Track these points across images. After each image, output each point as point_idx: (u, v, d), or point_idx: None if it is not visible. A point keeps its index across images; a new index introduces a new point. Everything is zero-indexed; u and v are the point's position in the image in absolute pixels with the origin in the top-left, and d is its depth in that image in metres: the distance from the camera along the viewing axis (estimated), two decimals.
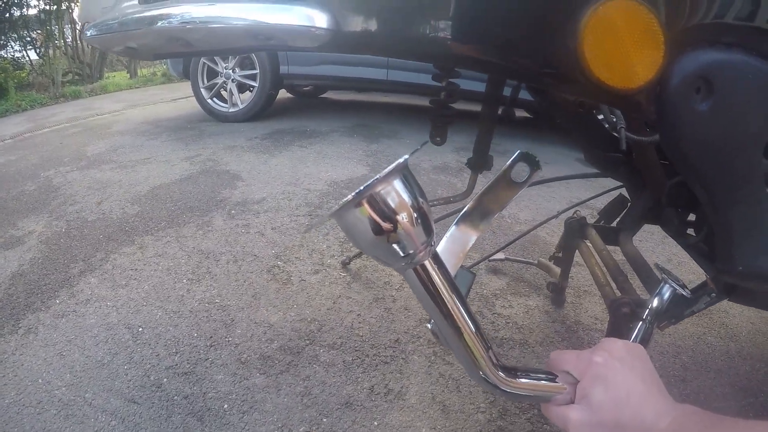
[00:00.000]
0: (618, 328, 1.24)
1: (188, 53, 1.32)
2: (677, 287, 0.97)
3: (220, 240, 2.17)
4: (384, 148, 3.58)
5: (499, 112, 1.50)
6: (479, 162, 1.52)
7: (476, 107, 1.57)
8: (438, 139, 1.55)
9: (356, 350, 1.57)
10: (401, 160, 0.53)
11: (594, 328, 1.75)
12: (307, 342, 1.60)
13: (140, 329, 1.66)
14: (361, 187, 0.50)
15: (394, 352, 1.58)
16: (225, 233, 2.23)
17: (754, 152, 0.98)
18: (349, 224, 0.54)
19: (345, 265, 1.99)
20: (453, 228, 0.88)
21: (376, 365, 1.53)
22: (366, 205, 0.52)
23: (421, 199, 0.56)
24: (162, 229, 2.27)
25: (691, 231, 1.34)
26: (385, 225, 0.53)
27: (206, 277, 1.91)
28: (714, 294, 1.20)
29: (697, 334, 1.76)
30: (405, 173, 0.55)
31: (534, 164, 0.84)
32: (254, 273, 1.94)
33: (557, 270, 1.79)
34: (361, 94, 6.07)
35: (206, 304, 1.76)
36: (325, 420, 1.35)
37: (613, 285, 1.31)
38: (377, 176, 0.51)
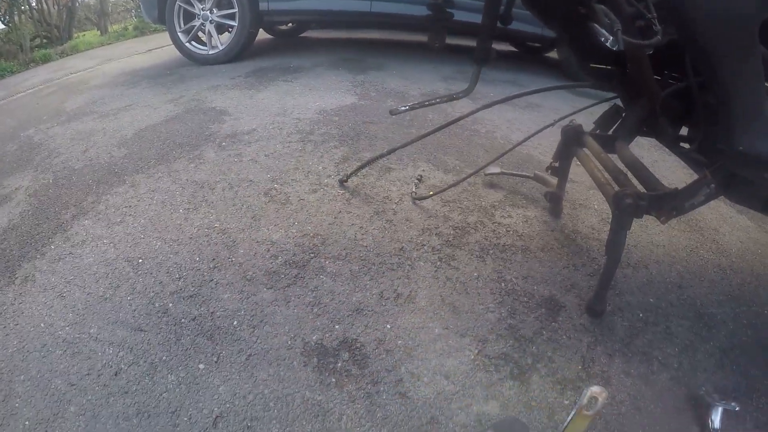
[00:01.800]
0: (621, 221, 1.23)
1: None
2: None
3: (214, 170, 2.12)
4: (371, 78, 3.48)
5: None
6: (483, 55, 1.52)
7: (465, 41, 1.58)
8: (437, 45, 1.58)
9: (362, 260, 1.55)
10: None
11: (592, 237, 1.76)
12: (312, 255, 1.57)
13: (140, 261, 1.62)
14: None
15: (399, 259, 1.56)
16: (218, 163, 2.17)
17: (753, 26, 1.01)
18: None
19: (342, 182, 1.95)
20: None
21: (383, 272, 1.50)
22: None
23: None
24: (153, 167, 2.21)
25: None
26: None
27: (203, 205, 1.86)
28: (713, 185, 1.20)
29: (690, 247, 1.78)
30: None
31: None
32: (251, 197, 1.90)
33: (554, 181, 1.81)
34: (343, 32, 5.90)
35: (206, 230, 1.72)
36: (337, 327, 1.33)
37: (613, 183, 1.32)
38: None
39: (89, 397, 1.21)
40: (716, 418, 1.11)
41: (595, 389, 0.75)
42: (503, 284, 1.49)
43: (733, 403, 1.12)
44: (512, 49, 5.22)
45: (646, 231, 1.83)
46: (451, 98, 1.62)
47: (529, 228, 1.76)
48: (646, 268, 1.63)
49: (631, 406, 1.19)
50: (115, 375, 1.26)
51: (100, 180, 2.17)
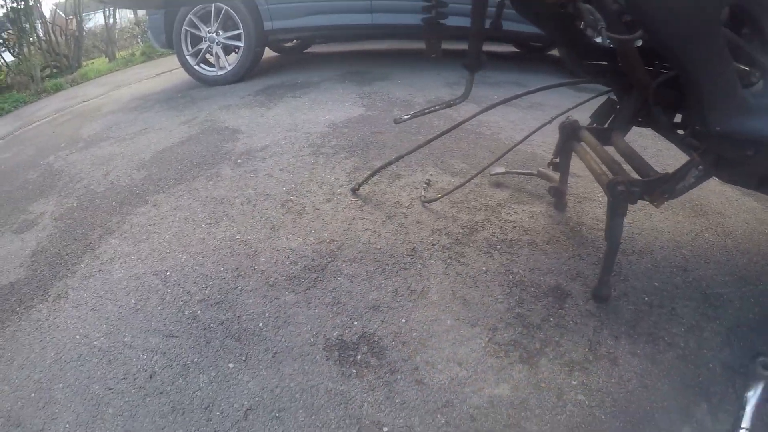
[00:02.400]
0: (616, 207, 1.31)
1: None
2: None
3: (232, 186, 2.22)
4: (377, 89, 3.58)
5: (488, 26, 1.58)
6: (473, 63, 1.59)
7: (464, 46, 1.65)
8: (433, 55, 1.67)
9: (376, 261, 1.64)
10: None
11: (596, 228, 1.81)
12: (329, 260, 1.66)
13: (168, 273, 1.72)
14: None
15: (411, 259, 1.64)
16: (235, 180, 2.28)
17: (712, 19, 1.07)
18: None
19: (354, 191, 2.04)
20: None
21: (397, 271, 1.59)
22: None
23: None
24: (173, 186, 2.32)
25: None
26: None
27: (224, 219, 1.97)
28: (701, 167, 1.26)
29: (695, 231, 1.82)
30: None
31: None
32: (269, 209, 2.00)
33: (556, 176, 1.87)
34: (347, 45, 6.02)
35: (228, 242, 1.82)
36: (356, 323, 1.42)
37: (609, 173, 1.38)
38: None
39: (126, 399, 1.29)
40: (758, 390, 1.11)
41: None
42: (511, 276, 1.57)
43: None
44: (515, 50, 5.29)
45: (650, 219, 1.88)
46: (449, 105, 1.70)
47: (534, 223, 1.84)
48: (650, 254, 1.68)
49: (639, 384, 1.24)
50: (150, 378, 1.35)
51: (123, 201, 2.28)
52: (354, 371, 1.29)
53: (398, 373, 1.28)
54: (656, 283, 1.55)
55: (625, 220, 1.35)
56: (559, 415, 1.17)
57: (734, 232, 1.83)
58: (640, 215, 1.89)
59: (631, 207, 1.44)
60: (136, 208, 2.20)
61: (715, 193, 2.08)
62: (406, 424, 1.16)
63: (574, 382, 1.25)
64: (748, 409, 1.11)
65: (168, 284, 1.66)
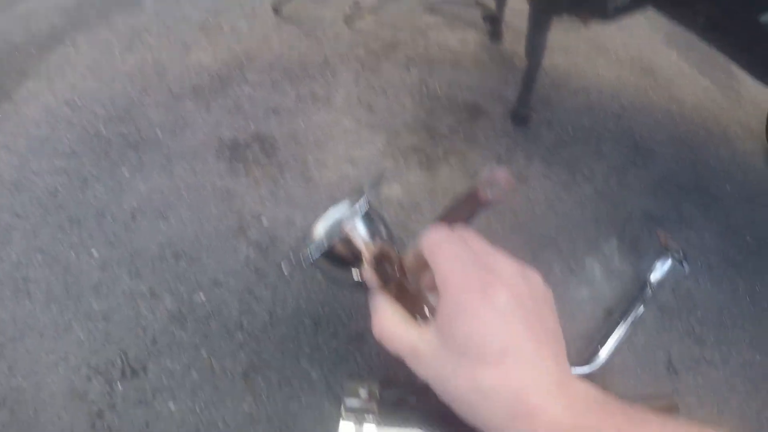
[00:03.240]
0: (537, 19, 1.17)
1: None
2: None
3: (151, 16, 2.06)
4: None
5: None
6: None
7: None
8: None
9: (285, 70, 1.54)
10: (360, 202, 0.52)
11: None
12: (237, 71, 1.56)
13: (77, 101, 1.63)
14: (328, 230, 0.52)
15: (322, 69, 1.55)
16: (155, 10, 2.12)
17: None
18: (317, 264, 0.53)
19: (276, 10, 1.90)
20: None
21: (303, 79, 1.50)
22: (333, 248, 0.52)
23: (384, 235, 0.54)
24: (93, 26, 2.16)
25: None
26: (351, 263, 0.53)
27: (138, 46, 1.84)
28: None
29: (640, 87, 1.69)
30: (367, 210, 0.54)
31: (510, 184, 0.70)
32: (186, 31, 1.86)
33: (492, 5, 1.74)
34: None
35: (140, 65, 1.72)
36: (252, 125, 1.35)
37: None
38: (342, 218, 0.52)
39: (31, 221, 1.27)
40: (659, 269, 1.05)
41: (495, 170, 0.70)
42: (425, 89, 1.48)
43: (684, 263, 1.05)
44: None
45: (593, 65, 1.75)
46: None
47: (463, 47, 1.72)
48: (586, 94, 1.58)
49: (547, 207, 1.20)
50: (53, 196, 1.31)
51: (41, 46, 2.14)
52: (243, 168, 1.24)
53: (286, 170, 1.23)
54: (586, 121, 1.47)
55: (564, 60, 1.22)
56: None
57: (682, 101, 1.69)
58: (581, 58, 1.75)
59: (573, 46, 1.33)
60: (54, 50, 2.06)
61: (669, 62, 1.91)
62: (286, 217, 1.13)
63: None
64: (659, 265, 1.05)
65: (76, 110, 1.59)
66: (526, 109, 1.37)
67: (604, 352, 0.92)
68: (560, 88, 1.58)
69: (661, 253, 1.02)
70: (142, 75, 1.64)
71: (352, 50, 1.63)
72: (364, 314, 0.96)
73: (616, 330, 0.95)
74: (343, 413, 0.56)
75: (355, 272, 0.54)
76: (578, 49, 1.78)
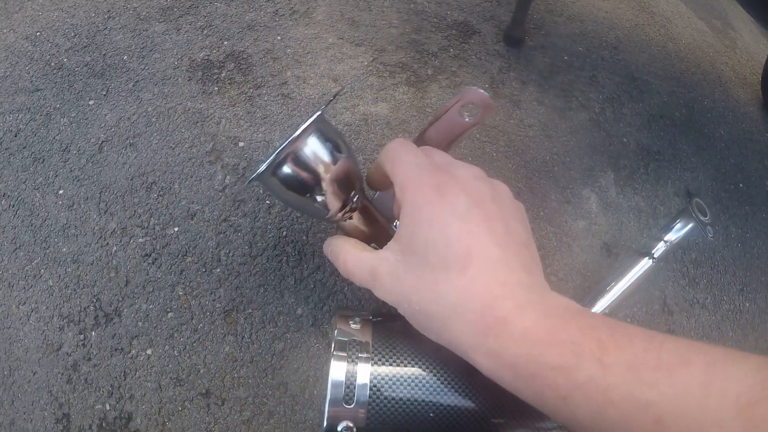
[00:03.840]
0: None
1: None
2: None
3: None
4: None
5: None
6: None
7: None
8: None
9: None
10: (316, 114, 0.51)
11: None
12: None
13: (38, 34, 1.49)
14: (278, 149, 0.48)
15: None
16: None
17: None
18: (272, 187, 0.51)
19: None
20: None
21: None
22: (285, 168, 0.49)
23: (343, 154, 0.52)
24: None
25: None
26: (309, 185, 0.49)
27: None
28: None
29: (636, 22, 1.61)
30: (321, 127, 0.52)
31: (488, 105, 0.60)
32: None
33: None
34: None
35: None
36: (225, 43, 1.21)
37: None
38: (293, 135, 0.49)
39: None
40: (681, 229, 1.00)
41: (472, 91, 0.59)
42: (412, 5, 1.34)
43: (709, 228, 1.01)
44: None
45: None
46: None
47: None
48: (581, 22, 1.47)
49: (541, 132, 1.12)
50: (15, 136, 1.20)
51: None
52: (216, 89, 1.11)
53: (263, 88, 1.10)
54: (581, 48, 1.37)
55: None
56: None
57: (678, 40, 1.62)
58: None
59: None
60: None
61: (668, 2, 1.82)
62: (264, 139, 1.01)
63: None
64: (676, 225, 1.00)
65: (37, 44, 1.45)
66: (521, 31, 1.29)
67: (605, 304, 0.86)
68: (555, 13, 1.49)
69: (686, 214, 1.00)
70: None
71: None
72: None
73: (620, 284, 0.89)
74: (333, 351, 0.48)
75: (316, 197, 0.51)
76: None
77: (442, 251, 0.34)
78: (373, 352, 0.45)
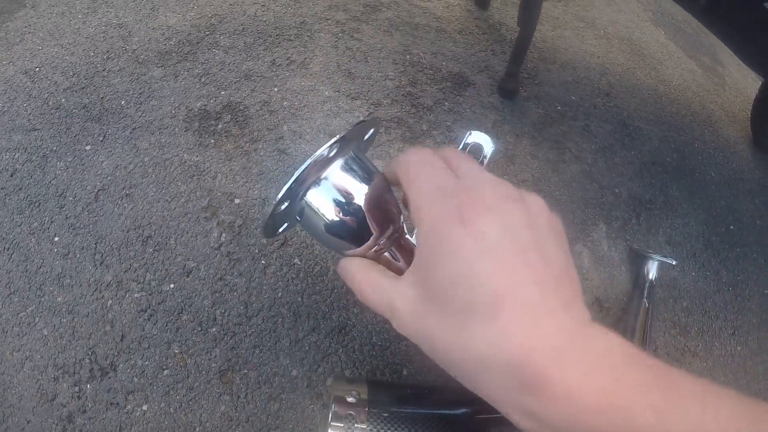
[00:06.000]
0: None
1: None
2: None
3: None
4: None
5: None
6: None
7: None
8: None
9: (258, 33, 1.41)
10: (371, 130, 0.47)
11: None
12: (207, 33, 1.43)
13: (37, 69, 1.51)
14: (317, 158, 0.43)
15: (298, 31, 1.43)
16: None
17: None
18: (308, 203, 0.45)
19: None
20: None
21: (279, 43, 1.38)
22: (333, 178, 0.44)
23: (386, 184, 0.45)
24: None
25: None
26: (350, 206, 0.43)
27: (102, 6, 1.70)
28: None
29: (627, 66, 1.64)
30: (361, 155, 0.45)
31: (488, 144, 0.61)
32: None
33: None
34: None
35: (103, 28, 1.58)
36: (223, 93, 1.23)
37: None
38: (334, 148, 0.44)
39: None
40: (652, 269, 1.07)
41: (472, 134, 0.61)
42: (408, 56, 1.37)
43: (669, 258, 1.09)
44: None
45: (581, 39, 1.68)
46: None
47: (449, 13, 1.60)
48: (574, 69, 1.51)
49: (534, 186, 1.13)
50: (11, 176, 1.20)
51: (2, 10, 1.99)
52: (212, 141, 1.13)
53: (260, 143, 1.12)
54: (574, 97, 1.41)
55: (553, 33, 1.15)
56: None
57: (669, 82, 1.66)
58: (571, 34, 1.68)
59: (561, 18, 1.42)
60: (14, 14, 1.91)
61: (659, 44, 1.86)
62: (260, 196, 1.03)
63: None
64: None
65: (36, 80, 1.46)
66: (515, 82, 1.32)
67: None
68: (548, 61, 1.53)
69: (647, 256, 1.06)
70: (106, 40, 1.51)
71: (330, 12, 1.51)
72: (345, 305, 0.87)
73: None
74: (331, 421, 0.49)
75: (353, 225, 0.44)
76: (567, 23, 1.74)
77: (467, 294, 0.29)
78: (368, 422, 0.47)
